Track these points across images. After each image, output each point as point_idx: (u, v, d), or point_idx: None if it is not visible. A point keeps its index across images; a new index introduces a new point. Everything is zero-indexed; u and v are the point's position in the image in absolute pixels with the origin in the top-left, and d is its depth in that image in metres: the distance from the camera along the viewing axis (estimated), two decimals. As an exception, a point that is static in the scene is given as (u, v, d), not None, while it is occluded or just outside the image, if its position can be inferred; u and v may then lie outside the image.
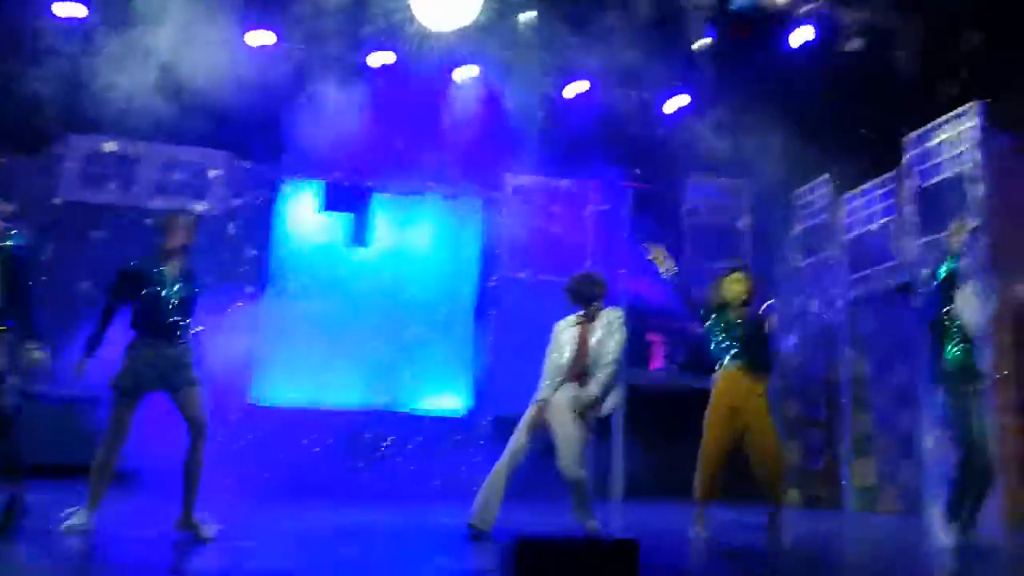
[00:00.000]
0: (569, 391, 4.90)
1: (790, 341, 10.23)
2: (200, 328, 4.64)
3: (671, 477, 9.45)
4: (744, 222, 10.86)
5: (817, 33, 8.50)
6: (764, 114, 8.89)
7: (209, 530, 4.32)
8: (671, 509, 7.46)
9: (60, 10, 8.02)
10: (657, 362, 10.52)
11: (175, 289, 4.45)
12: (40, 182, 9.23)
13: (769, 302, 9.80)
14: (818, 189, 9.97)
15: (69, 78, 7.94)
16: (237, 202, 9.73)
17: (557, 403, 4.87)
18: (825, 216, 9.78)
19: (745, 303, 5.43)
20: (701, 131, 9.59)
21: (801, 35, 8.62)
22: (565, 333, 5.09)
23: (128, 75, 8.01)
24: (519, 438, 4.87)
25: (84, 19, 8.08)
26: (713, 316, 5.44)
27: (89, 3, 8.05)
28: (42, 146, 9.23)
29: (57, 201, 9.24)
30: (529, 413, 4.94)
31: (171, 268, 4.49)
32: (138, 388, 4.35)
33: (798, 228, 10.27)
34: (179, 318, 4.45)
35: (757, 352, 5.32)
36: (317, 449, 9.09)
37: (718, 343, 5.40)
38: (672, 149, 10.01)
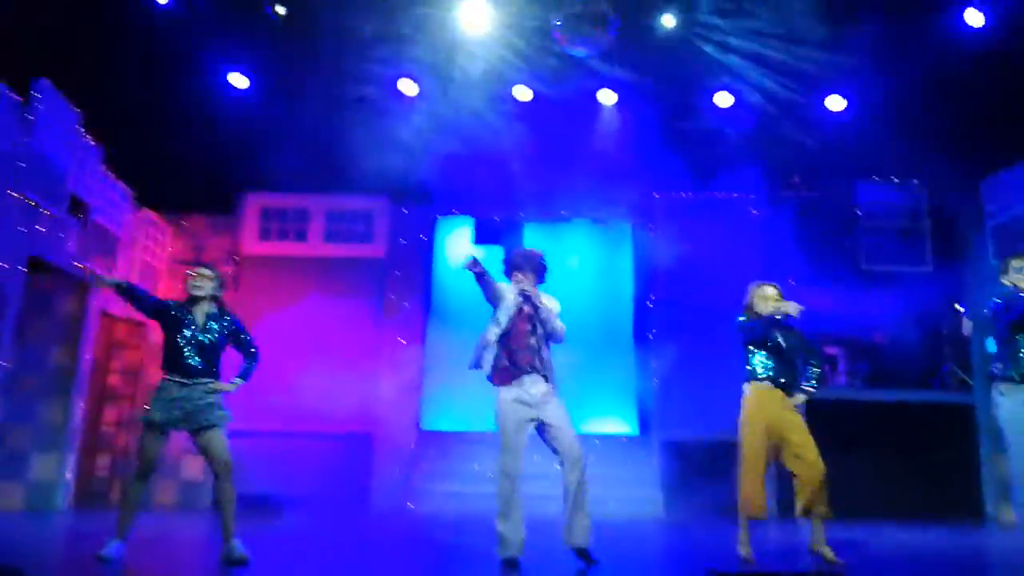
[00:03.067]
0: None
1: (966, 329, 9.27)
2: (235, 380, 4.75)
3: (867, 496, 8.88)
4: (925, 223, 10.03)
5: (990, 15, 7.72)
6: (935, 104, 8.20)
7: (241, 552, 4.41)
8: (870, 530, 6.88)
9: (233, 80, 8.72)
10: (839, 376, 9.84)
11: (204, 331, 4.65)
12: (223, 239, 10.08)
13: (959, 307, 8.92)
14: (1009, 179, 8.99)
15: (243, 142, 8.59)
16: (400, 242, 10.17)
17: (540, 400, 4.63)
18: (1021, 207, 8.79)
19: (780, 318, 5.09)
20: (866, 130, 8.96)
21: (974, 17, 7.87)
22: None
23: (294, 134, 8.59)
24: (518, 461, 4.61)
25: (248, 89, 8.73)
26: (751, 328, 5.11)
27: (251, 75, 8.70)
28: (224, 205, 10.04)
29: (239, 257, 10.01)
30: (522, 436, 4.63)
31: (200, 312, 4.70)
32: (167, 424, 4.53)
33: (990, 223, 9.31)
34: (204, 360, 4.62)
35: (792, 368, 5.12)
36: (490, 474, 9.18)
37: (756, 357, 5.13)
38: (836, 151, 9.42)
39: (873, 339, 9.95)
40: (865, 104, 8.76)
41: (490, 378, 4.75)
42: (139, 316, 4.76)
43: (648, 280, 9.89)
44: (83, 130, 8.13)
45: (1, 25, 7.02)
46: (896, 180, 10.06)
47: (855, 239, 10.04)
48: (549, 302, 4.80)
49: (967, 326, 6.80)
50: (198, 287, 4.74)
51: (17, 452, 8.12)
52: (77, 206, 8.13)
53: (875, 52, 8.29)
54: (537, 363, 4.67)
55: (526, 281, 4.75)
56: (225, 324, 4.75)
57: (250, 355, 4.83)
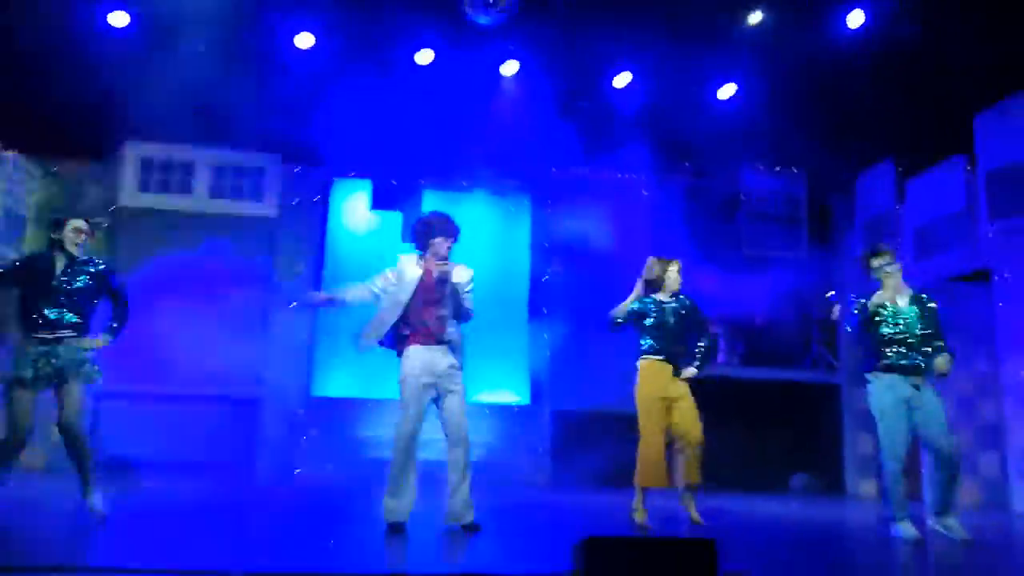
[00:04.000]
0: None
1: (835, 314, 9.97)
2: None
3: (738, 468, 9.39)
4: (803, 212, 10.57)
5: (869, 15, 8.14)
6: (820, 99, 8.62)
7: (100, 509, 4.36)
8: (741, 501, 7.29)
9: (112, 20, 8.11)
10: (719, 355, 10.31)
11: (68, 280, 4.41)
12: (100, 189, 9.46)
13: (830, 293, 9.51)
14: (880, 175, 9.62)
15: (122, 87, 8.05)
16: (292, 203, 9.84)
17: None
18: (889, 203, 9.43)
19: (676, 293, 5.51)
20: (754, 119, 9.32)
21: (856, 18, 8.29)
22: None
23: (175, 82, 8.10)
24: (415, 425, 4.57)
25: (129, 27, 8.16)
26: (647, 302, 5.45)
27: (132, 12, 8.14)
28: (101, 154, 9.41)
29: (116, 207, 9.43)
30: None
31: (61, 260, 4.46)
32: (37, 382, 4.33)
33: (860, 216, 9.93)
34: (72, 312, 4.40)
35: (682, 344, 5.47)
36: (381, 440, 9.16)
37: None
38: (725, 138, 9.76)
39: (751, 320, 10.48)
40: (754, 93, 9.10)
41: (391, 346, 4.70)
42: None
43: (544, 254, 10.01)
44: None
45: None
46: (779, 169, 10.53)
47: (738, 224, 10.47)
48: (463, 273, 4.73)
49: (835, 311, 7.30)
50: (77, 244, 4.44)
51: None
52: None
53: (766, 42, 8.60)
54: (444, 335, 4.61)
55: (444, 246, 4.63)
56: (92, 271, 4.48)
57: (121, 305, 4.58)
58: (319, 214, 10.00)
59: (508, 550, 4.36)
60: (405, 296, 4.60)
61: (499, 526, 5.00)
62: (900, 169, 9.34)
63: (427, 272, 4.64)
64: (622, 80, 9.14)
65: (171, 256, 8.92)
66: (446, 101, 8.85)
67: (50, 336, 4.32)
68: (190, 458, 8.63)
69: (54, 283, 4.36)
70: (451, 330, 4.67)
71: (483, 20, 8.30)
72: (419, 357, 4.56)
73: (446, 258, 4.65)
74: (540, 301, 10.00)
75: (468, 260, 4.83)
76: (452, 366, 4.61)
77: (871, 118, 8.67)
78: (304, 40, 8.56)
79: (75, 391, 4.33)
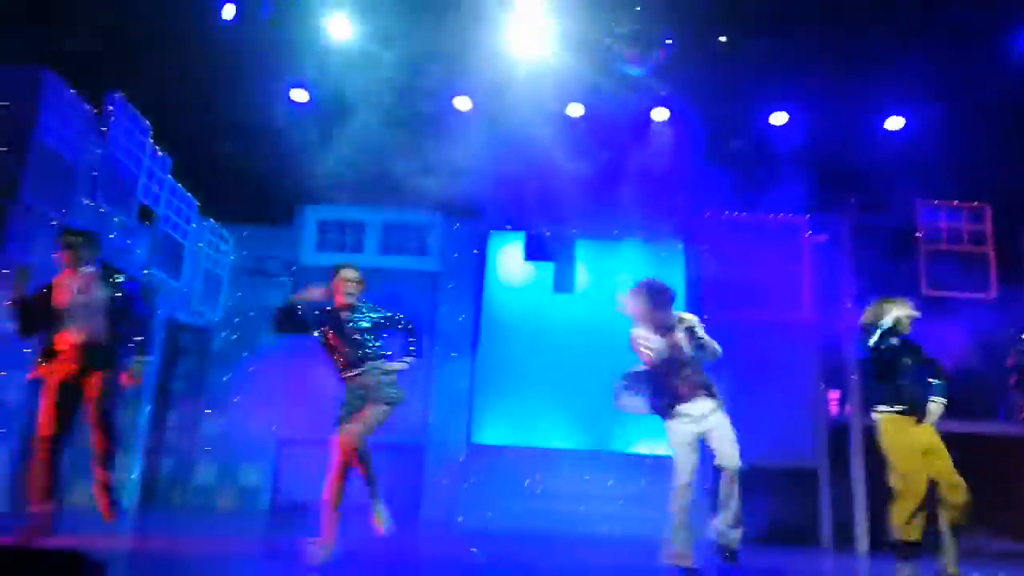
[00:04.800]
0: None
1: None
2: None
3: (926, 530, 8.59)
4: (989, 248, 9.72)
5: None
6: (1003, 123, 7.98)
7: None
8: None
9: (295, 95, 8.97)
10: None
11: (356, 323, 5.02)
12: (281, 249, 10.35)
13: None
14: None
15: (302, 155, 8.83)
16: (453, 256, 10.30)
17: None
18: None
19: None
20: (929, 149, 8.75)
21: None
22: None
23: (351, 148, 8.79)
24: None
25: (308, 102, 8.96)
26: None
27: (310, 89, 8.93)
28: (283, 216, 10.32)
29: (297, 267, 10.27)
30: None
31: (348, 311, 5.06)
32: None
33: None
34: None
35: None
36: (539, 489, 9.24)
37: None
38: (897, 172, 9.21)
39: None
40: (926, 124, 8.57)
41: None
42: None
43: (700, 299, 9.81)
44: (152, 142, 8.47)
45: (76, 40, 7.38)
46: (960, 202, 9.79)
47: (916, 263, 9.78)
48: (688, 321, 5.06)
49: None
50: (351, 294, 5.03)
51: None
52: (146, 214, 8.46)
53: (939, 70, 8.12)
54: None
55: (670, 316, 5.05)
56: (375, 317, 5.13)
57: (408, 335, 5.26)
58: (477, 266, 10.37)
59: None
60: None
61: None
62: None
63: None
64: (779, 119, 8.92)
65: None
66: (596, 150, 9.00)
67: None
68: (359, 502, 9.05)
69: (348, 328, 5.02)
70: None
71: (633, 71, 8.44)
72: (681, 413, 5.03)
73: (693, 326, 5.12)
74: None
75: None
76: (713, 408, 5.03)
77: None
78: (462, 103, 9.06)
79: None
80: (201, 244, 9.73)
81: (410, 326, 5.17)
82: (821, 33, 7.77)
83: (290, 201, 10.18)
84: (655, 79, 8.36)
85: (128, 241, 8.15)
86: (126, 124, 8.00)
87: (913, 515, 4.88)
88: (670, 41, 7.92)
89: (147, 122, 8.36)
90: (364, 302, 5.12)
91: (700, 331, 4.96)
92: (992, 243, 9.61)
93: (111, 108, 7.74)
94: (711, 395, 4.95)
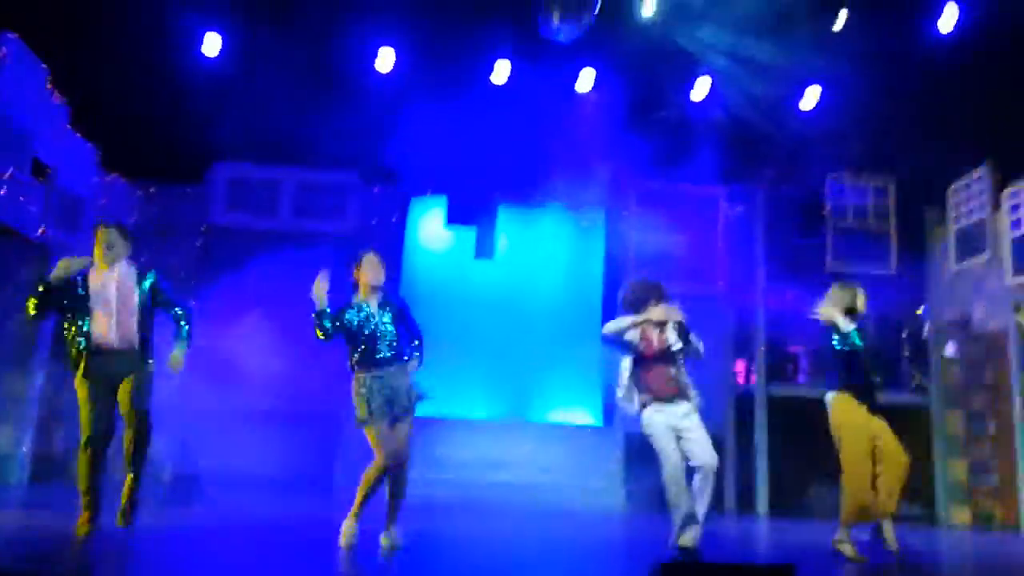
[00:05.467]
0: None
1: (948, 350, 9.46)
2: None
3: (823, 494, 9.02)
4: (892, 223, 10.13)
5: (963, 13, 7.78)
6: (909, 103, 8.28)
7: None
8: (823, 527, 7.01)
9: (207, 44, 8.51)
10: (800, 375, 9.98)
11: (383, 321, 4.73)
12: (190, 208, 9.90)
13: (921, 310, 9.08)
14: (975, 184, 9.16)
15: (212, 112, 8.42)
16: (371, 222, 10.07)
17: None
18: (984, 214, 8.96)
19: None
20: (838, 125, 9.02)
21: (948, 19, 7.95)
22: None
23: (265, 103, 8.43)
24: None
25: (221, 57, 8.53)
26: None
27: (224, 36, 8.50)
28: (193, 174, 9.86)
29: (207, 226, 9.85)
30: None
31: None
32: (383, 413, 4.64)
33: (953, 228, 9.47)
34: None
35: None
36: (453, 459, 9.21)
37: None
38: (808, 148, 9.48)
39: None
40: (840, 102, 8.82)
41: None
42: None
43: (619, 269, 9.90)
44: (51, 88, 7.91)
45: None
46: (866, 178, 10.14)
47: (822, 237, 10.11)
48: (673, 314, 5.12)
49: (927, 329, 6.95)
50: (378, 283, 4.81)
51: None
52: (40, 169, 7.93)
53: (852, 49, 8.33)
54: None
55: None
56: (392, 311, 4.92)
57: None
58: (396, 231, 10.17)
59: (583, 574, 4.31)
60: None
61: (573, 550, 4.95)
62: (997, 176, 8.87)
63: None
64: (701, 88, 9.02)
65: (255, 272, 9.24)
66: (520, 117, 8.91)
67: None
68: (272, 473, 8.87)
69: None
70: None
71: (561, 37, 8.35)
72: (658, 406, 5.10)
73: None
74: (615, 317, 9.84)
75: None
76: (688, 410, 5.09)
77: (965, 122, 8.29)
78: (383, 63, 8.79)
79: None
80: (102, 200, 9.20)
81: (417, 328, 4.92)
82: (743, 7, 7.85)
83: (201, 157, 9.72)
84: (580, 46, 8.31)
85: (21, 198, 7.63)
86: (20, 69, 7.43)
87: (858, 515, 5.06)
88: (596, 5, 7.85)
89: (45, 67, 7.78)
90: (384, 290, 4.87)
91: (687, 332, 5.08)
92: (895, 220, 10.02)
93: (3, 50, 7.17)
94: (687, 397, 4.99)
